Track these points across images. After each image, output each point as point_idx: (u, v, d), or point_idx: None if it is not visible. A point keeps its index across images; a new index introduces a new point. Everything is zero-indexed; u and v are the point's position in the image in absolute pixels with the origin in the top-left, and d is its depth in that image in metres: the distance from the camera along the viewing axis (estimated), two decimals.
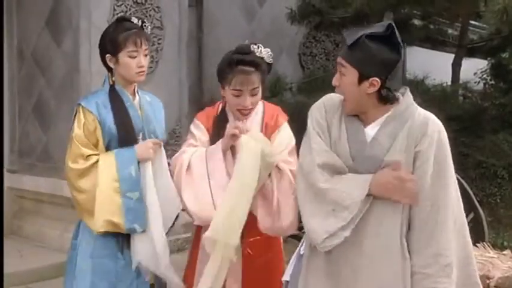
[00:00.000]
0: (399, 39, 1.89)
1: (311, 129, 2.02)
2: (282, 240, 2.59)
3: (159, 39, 5.31)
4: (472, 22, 7.23)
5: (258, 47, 2.39)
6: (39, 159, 5.38)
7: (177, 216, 2.55)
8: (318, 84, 6.46)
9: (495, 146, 6.18)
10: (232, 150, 2.40)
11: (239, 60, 2.35)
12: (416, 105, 2.01)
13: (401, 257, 1.91)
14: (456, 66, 6.70)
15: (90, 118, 2.46)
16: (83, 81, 4.89)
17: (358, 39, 1.91)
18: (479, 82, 7.66)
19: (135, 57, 2.46)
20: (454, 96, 6.61)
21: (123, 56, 2.46)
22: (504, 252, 2.83)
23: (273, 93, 5.85)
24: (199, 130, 2.51)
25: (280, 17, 6.61)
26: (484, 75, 7.65)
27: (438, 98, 6.17)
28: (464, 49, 6.73)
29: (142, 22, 2.53)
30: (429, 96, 6.01)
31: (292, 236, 2.82)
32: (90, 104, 2.48)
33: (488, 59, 7.64)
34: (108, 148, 2.50)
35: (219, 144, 2.39)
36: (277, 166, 2.34)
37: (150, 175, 2.44)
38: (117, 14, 5.02)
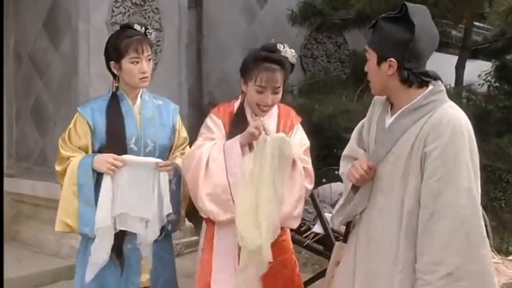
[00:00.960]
0: (412, 19, 1.95)
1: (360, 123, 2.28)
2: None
3: (158, 41, 5.32)
4: (476, 23, 7.24)
5: (284, 47, 2.47)
6: (36, 163, 5.39)
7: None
8: (319, 87, 6.47)
9: (500, 150, 6.17)
10: (250, 146, 2.45)
11: (266, 57, 2.42)
12: (445, 101, 2.00)
13: (394, 262, 1.99)
14: (460, 68, 6.71)
15: (83, 123, 2.60)
16: (81, 84, 4.90)
17: (376, 22, 2.03)
18: (483, 84, 7.65)
19: (137, 63, 2.56)
20: (458, 98, 6.59)
21: (125, 63, 2.57)
22: (509, 258, 2.83)
23: None
24: (215, 124, 2.56)
25: (281, 18, 6.63)
26: (488, 78, 7.64)
27: None
28: (468, 51, 6.74)
29: (146, 29, 2.63)
30: None
31: (295, 241, 2.83)
32: (85, 110, 2.62)
33: (493, 61, 7.65)
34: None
35: (237, 139, 2.44)
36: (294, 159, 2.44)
37: (107, 184, 2.52)
38: (116, 15, 5.04)
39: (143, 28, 2.62)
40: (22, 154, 5.54)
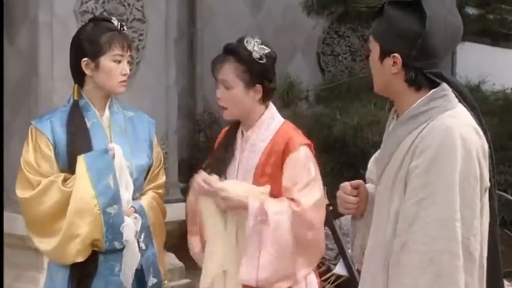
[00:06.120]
0: (425, 8, 1.96)
1: None
2: None
3: (141, 34, 5.33)
4: None
5: (252, 41, 2.61)
6: None
7: None
8: (341, 91, 6.45)
9: None
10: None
11: (223, 48, 2.66)
12: (447, 109, 1.99)
13: None
14: None
15: (42, 141, 2.62)
16: (42, 88, 4.90)
17: (382, 8, 2.04)
18: None
19: (119, 62, 2.60)
20: None
21: (105, 60, 2.60)
22: None
23: (284, 103, 5.85)
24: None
25: (293, 6, 6.64)
26: None
27: (499, 107, 6.13)
28: None
29: (121, 25, 2.68)
30: (487, 106, 5.97)
31: None
32: (42, 124, 2.64)
33: None
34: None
35: None
36: (265, 210, 2.51)
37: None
38: (87, 2, 5.05)
39: (119, 24, 2.67)
40: None
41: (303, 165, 2.59)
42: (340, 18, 6.70)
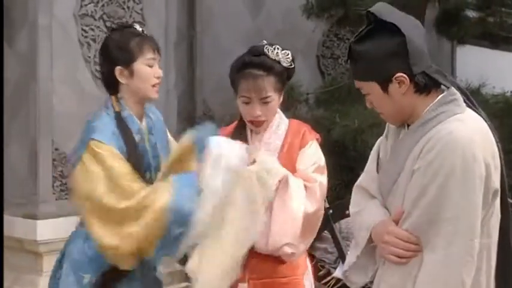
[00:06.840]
0: (387, 17, 1.98)
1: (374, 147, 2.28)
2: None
3: None
4: None
5: (275, 49, 2.61)
6: None
7: None
8: (341, 94, 6.45)
9: None
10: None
11: (248, 62, 2.59)
12: (455, 112, 2.00)
13: None
14: None
15: (113, 151, 2.46)
16: (42, 91, 4.90)
17: (350, 52, 2.04)
18: None
19: (152, 66, 2.58)
20: None
21: (139, 65, 2.55)
22: None
23: (284, 106, 5.84)
24: None
25: (293, 9, 6.63)
26: None
27: (500, 110, 6.11)
28: None
29: (143, 30, 2.66)
30: (488, 109, 5.95)
31: None
32: (106, 137, 2.46)
33: None
34: None
35: None
36: (285, 179, 2.56)
37: None
38: (86, 5, 5.07)
39: (141, 29, 2.66)
40: None
41: (316, 153, 2.69)
42: (340, 21, 6.70)
